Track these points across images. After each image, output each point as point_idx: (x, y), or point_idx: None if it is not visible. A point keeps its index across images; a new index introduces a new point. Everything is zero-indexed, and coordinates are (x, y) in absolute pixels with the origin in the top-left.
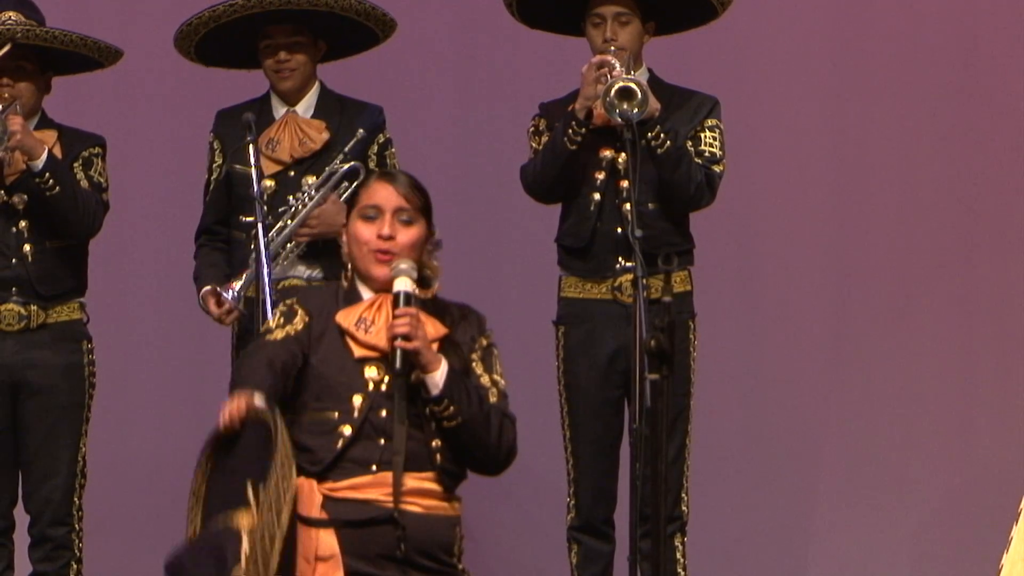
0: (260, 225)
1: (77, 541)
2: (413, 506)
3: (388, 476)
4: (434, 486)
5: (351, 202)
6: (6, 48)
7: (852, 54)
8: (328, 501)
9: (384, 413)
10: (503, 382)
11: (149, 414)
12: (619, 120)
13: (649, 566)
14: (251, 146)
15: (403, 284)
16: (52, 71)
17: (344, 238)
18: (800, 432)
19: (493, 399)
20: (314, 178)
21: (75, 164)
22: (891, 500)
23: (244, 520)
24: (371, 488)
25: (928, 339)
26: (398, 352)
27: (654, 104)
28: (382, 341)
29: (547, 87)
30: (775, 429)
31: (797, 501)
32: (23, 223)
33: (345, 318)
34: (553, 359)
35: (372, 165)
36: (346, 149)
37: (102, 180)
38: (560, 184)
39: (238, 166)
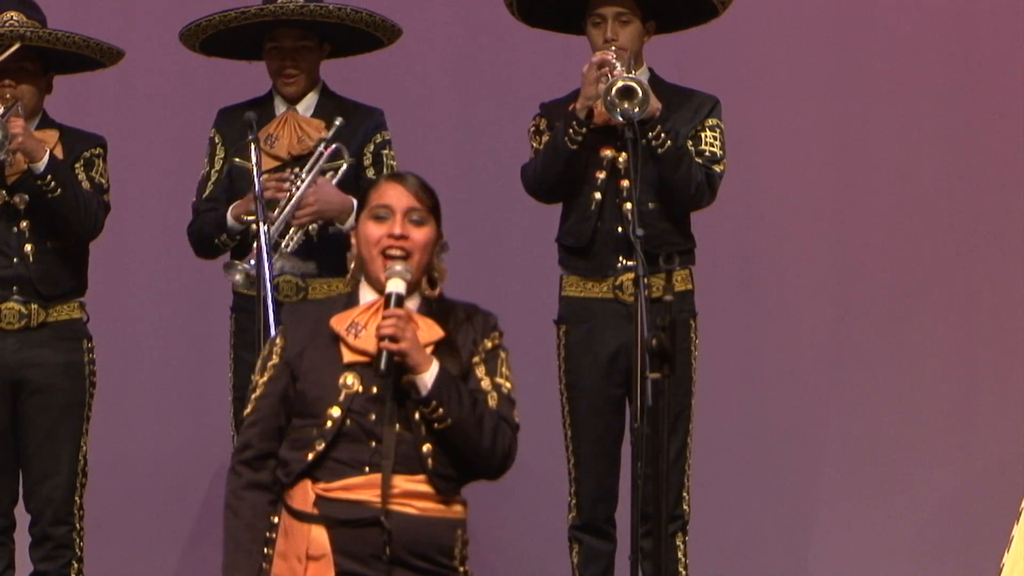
0: (261, 224)
1: (78, 540)
2: (406, 508)
3: (379, 477)
4: (427, 488)
5: (361, 204)
6: (14, 47)
7: (852, 53)
8: (321, 500)
9: (374, 416)
10: (508, 385)
11: (150, 413)
12: (620, 119)
13: (650, 565)
14: (253, 145)
15: (395, 286)
16: (54, 71)
17: (353, 240)
18: (801, 431)
19: (492, 403)
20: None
21: (76, 165)
22: (892, 499)
23: None
24: (363, 489)
25: (929, 338)
26: (384, 354)
27: (655, 103)
28: (371, 345)
29: (547, 87)
30: (776, 428)
31: (798, 500)
32: (24, 223)
33: (339, 323)
34: (554, 358)
35: (368, 163)
36: (328, 135)
37: (103, 181)
38: (561, 184)
39: (237, 160)
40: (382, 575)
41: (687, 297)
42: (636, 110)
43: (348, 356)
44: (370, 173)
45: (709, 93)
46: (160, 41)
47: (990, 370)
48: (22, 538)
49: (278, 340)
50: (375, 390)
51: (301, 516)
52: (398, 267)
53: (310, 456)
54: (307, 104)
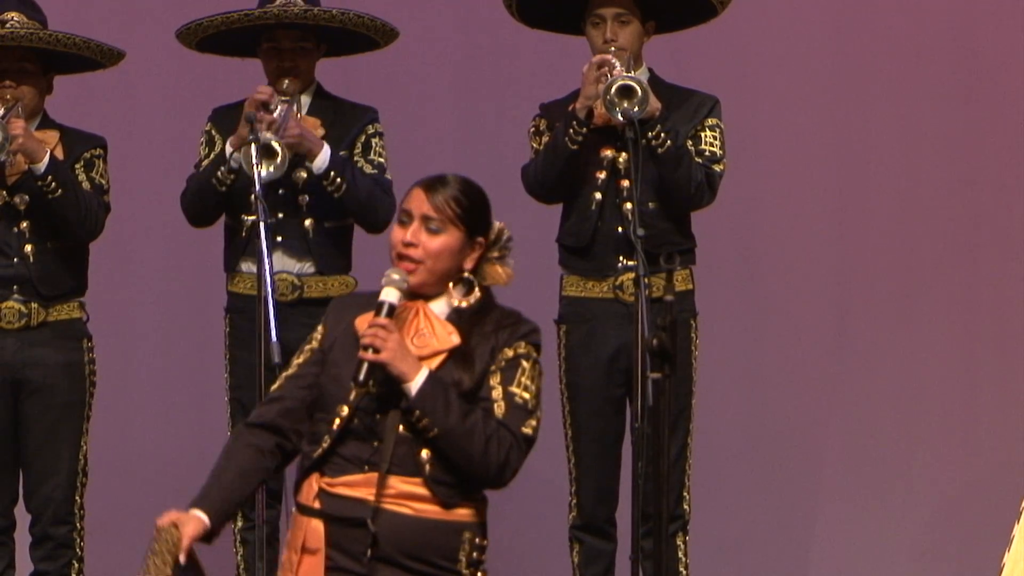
0: (262, 224)
1: (78, 540)
2: (403, 508)
3: (376, 476)
4: (424, 491)
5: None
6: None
7: (853, 53)
8: (322, 494)
9: (379, 416)
10: (526, 396)
11: (150, 413)
12: (620, 119)
13: (651, 565)
14: (253, 145)
15: (387, 295)
16: (54, 71)
17: None
18: (802, 431)
19: (499, 412)
20: (305, 172)
21: (76, 165)
22: (893, 499)
23: None
24: (362, 487)
25: (930, 338)
26: (363, 364)
27: (655, 103)
28: None
29: (547, 87)
30: (777, 428)
31: (799, 500)
32: (25, 224)
33: (362, 323)
34: (554, 358)
35: (358, 153)
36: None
37: (103, 182)
38: (561, 184)
39: (237, 166)
40: (367, 572)
41: (687, 297)
42: (636, 109)
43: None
44: (360, 163)
45: (709, 93)
46: (160, 42)
47: (990, 370)
48: (22, 538)
49: (319, 327)
50: (382, 389)
51: (302, 509)
52: (395, 275)
53: (317, 452)
54: (302, 104)
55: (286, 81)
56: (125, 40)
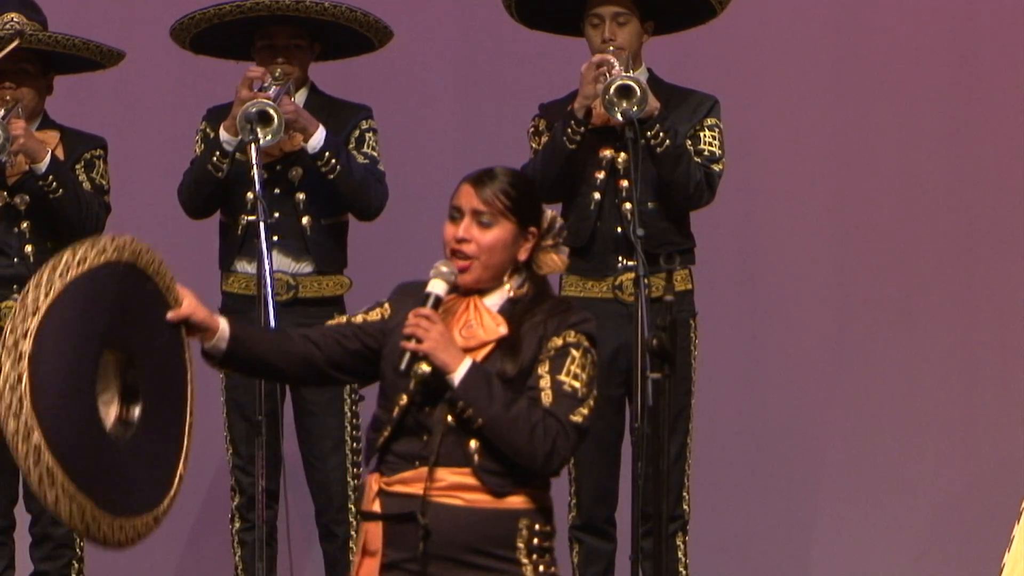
0: (262, 224)
1: (78, 540)
2: (454, 499)
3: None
4: (474, 481)
5: None
6: (13, 44)
7: (852, 52)
8: (381, 494)
9: (428, 409)
10: (576, 384)
11: None
12: (619, 118)
13: (651, 565)
14: (253, 146)
15: (434, 286)
16: (54, 72)
17: None
18: (802, 431)
19: (547, 400)
20: (300, 170)
21: (77, 166)
22: (893, 499)
23: None
24: (414, 482)
25: (930, 338)
26: (406, 353)
27: (653, 102)
28: None
29: (547, 87)
30: (777, 428)
31: (799, 500)
32: (25, 224)
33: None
34: None
35: (351, 147)
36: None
37: (104, 182)
38: (560, 184)
39: (238, 155)
40: (421, 567)
41: (687, 297)
42: (635, 108)
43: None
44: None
45: (708, 93)
46: (159, 42)
47: (990, 370)
48: (22, 538)
49: (385, 303)
50: (437, 380)
51: (364, 515)
52: (444, 268)
53: (380, 441)
54: (296, 102)
55: (279, 69)
56: (125, 40)
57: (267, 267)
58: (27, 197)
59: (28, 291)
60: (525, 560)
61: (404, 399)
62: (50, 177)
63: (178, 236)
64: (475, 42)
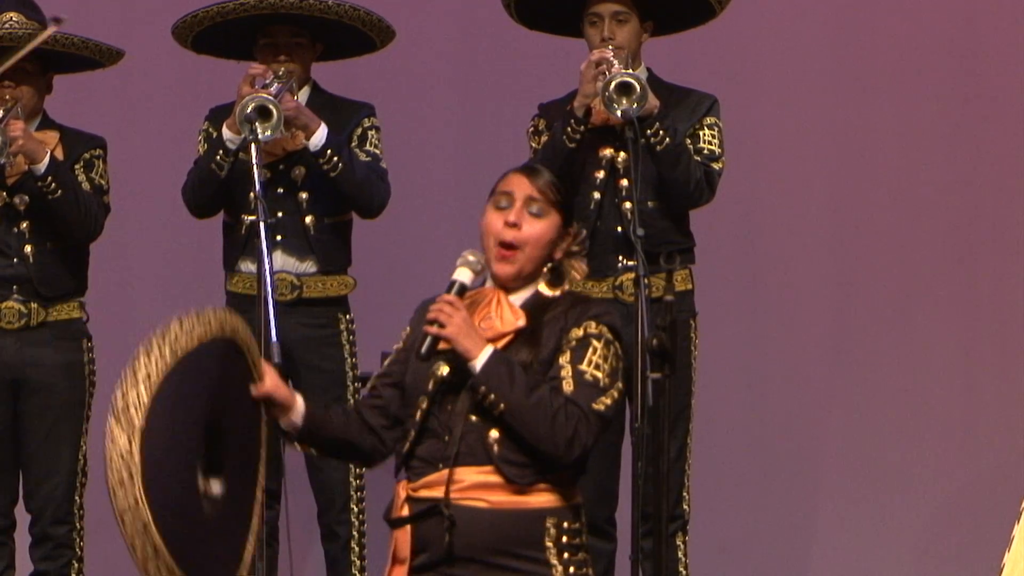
0: (262, 224)
1: (78, 540)
2: (477, 502)
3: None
4: (497, 479)
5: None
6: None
7: (852, 52)
8: (409, 500)
9: (450, 408)
10: (597, 374)
11: None
12: (618, 116)
13: (651, 565)
14: (253, 145)
15: (459, 274)
16: (53, 71)
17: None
18: (802, 431)
19: (568, 388)
20: (303, 168)
21: (76, 166)
22: (893, 499)
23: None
24: (438, 485)
25: (930, 338)
26: (428, 338)
27: (653, 100)
28: None
29: (547, 87)
30: (777, 428)
31: (799, 500)
32: (24, 224)
33: None
34: None
35: (353, 144)
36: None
37: (103, 182)
38: None
39: (241, 154)
40: (448, 568)
41: (687, 297)
42: (634, 106)
43: (441, 344)
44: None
45: (707, 92)
46: (160, 42)
47: (990, 370)
48: (22, 538)
49: (407, 328)
50: (456, 379)
51: (392, 523)
52: (471, 257)
53: (405, 447)
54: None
55: (282, 68)
56: (125, 40)
57: (267, 267)
58: (26, 197)
59: (139, 359)
60: (555, 560)
61: (425, 403)
62: (49, 178)
63: (179, 236)
64: (475, 42)
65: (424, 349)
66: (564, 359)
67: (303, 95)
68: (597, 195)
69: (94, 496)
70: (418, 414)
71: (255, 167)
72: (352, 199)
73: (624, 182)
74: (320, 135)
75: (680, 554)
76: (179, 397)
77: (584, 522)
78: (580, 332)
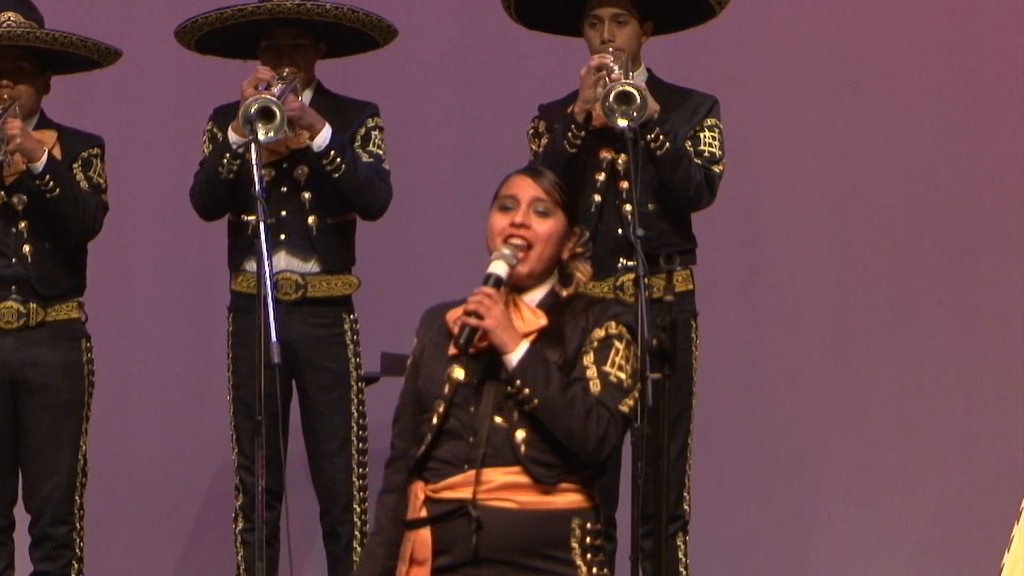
0: (262, 224)
1: (78, 540)
2: (505, 502)
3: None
4: (524, 479)
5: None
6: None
7: (852, 52)
8: (429, 502)
9: (473, 409)
10: (621, 375)
11: (149, 413)
12: (619, 125)
13: (651, 565)
14: (253, 145)
15: (495, 267)
16: (51, 71)
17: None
18: (802, 431)
19: (595, 389)
20: (306, 168)
21: (74, 165)
22: (893, 500)
23: None
24: (464, 486)
25: (930, 338)
26: (466, 328)
27: (653, 106)
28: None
29: (547, 88)
30: (777, 428)
31: (799, 501)
32: (23, 224)
33: (452, 316)
34: None
35: (356, 144)
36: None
37: (101, 181)
38: None
39: (241, 151)
40: (474, 570)
41: (687, 297)
42: (635, 115)
43: (452, 348)
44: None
45: (707, 93)
46: (159, 41)
47: (991, 370)
48: (22, 538)
49: (415, 340)
50: (476, 381)
51: (408, 524)
52: (506, 251)
53: (420, 451)
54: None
55: (286, 69)
56: (124, 40)
57: (266, 267)
58: (24, 197)
59: None
60: (580, 561)
61: (442, 407)
62: (47, 176)
63: (180, 236)
64: (475, 42)
65: (463, 340)
66: (588, 359)
67: (307, 96)
68: (597, 197)
69: (94, 496)
70: (435, 418)
71: (255, 168)
72: (353, 201)
73: (624, 184)
74: (324, 136)
75: (680, 554)
76: None
77: (603, 522)
78: (602, 332)
